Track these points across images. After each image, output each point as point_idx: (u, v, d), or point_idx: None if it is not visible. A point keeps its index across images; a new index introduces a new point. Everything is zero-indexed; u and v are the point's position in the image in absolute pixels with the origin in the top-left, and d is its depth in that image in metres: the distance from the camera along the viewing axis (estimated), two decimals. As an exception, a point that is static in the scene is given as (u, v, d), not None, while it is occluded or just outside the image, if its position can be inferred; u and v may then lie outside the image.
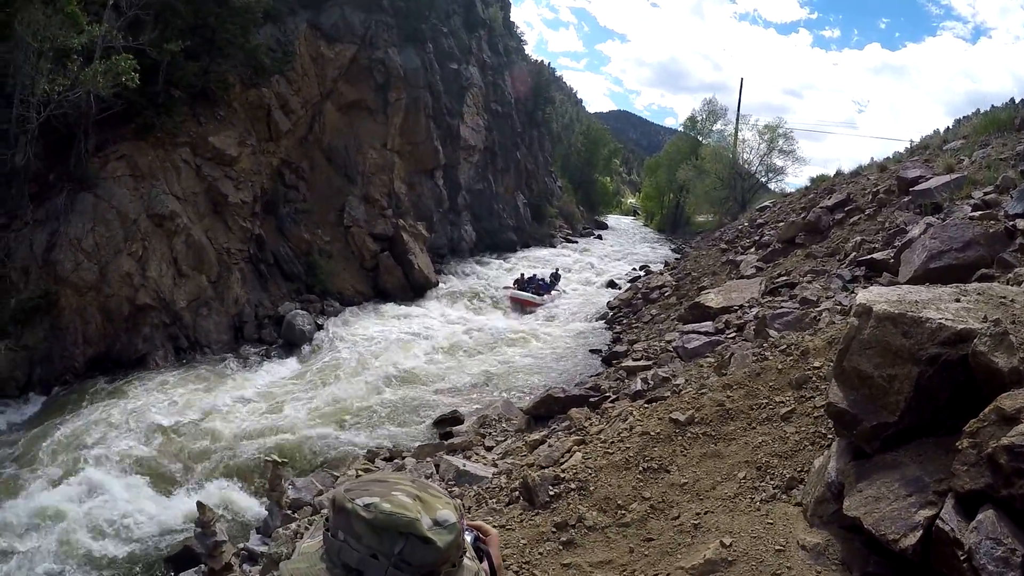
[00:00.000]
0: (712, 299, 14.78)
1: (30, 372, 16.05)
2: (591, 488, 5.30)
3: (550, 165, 54.88)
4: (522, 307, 25.97)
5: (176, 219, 19.16)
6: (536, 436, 9.19)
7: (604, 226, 61.91)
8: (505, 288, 27.87)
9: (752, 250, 20.12)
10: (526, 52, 53.67)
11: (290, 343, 20.11)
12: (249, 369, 18.20)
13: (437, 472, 8.71)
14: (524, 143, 45.98)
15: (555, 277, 29.97)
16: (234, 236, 21.24)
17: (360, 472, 10.82)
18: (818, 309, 9.91)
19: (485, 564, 1.49)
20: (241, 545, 9.25)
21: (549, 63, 64.66)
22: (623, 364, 13.40)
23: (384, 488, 1.28)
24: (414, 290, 26.70)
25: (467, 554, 1.37)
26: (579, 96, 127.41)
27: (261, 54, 22.96)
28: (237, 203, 21.33)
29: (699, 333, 12.35)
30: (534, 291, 26.67)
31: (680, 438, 5.46)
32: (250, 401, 16.12)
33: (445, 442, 11.77)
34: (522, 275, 28.35)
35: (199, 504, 8.64)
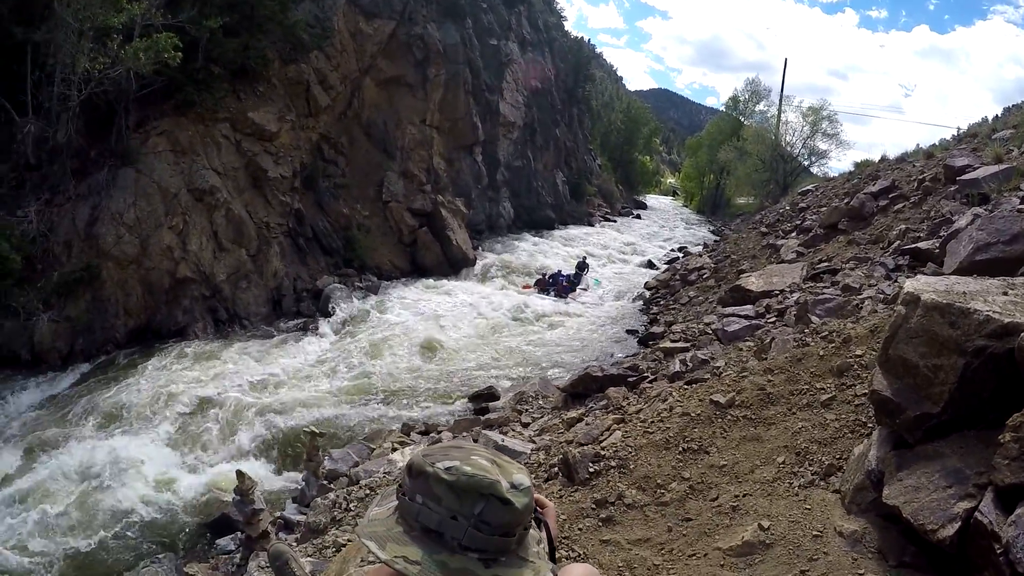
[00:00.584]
0: (753, 282, 14.58)
1: (72, 343, 16.37)
2: (631, 466, 5.31)
3: (589, 143, 54.61)
4: None
5: (216, 194, 19.37)
6: (573, 414, 9.16)
7: (643, 206, 61.53)
8: (525, 288, 25.59)
9: (793, 234, 19.81)
10: (565, 28, 53.26)
11: (328, 316, 20.20)
12: (287, 342, 18.29)
13: None
14: (564, 120, 45.72)
15: (581, 267, 27.41)
16: (273, 210, 21.42)
17: (396, 445, 11.09)
18: (860, 297, 9.78)
19: (543, 533, 1.53)
20: (278, 514, 9.40)
21: (589, 40, 64.17)
22: (660, 345, 13.28)
23: (463, 453, 1.32)
24: (452, 266, 26.76)
25: None
26: (619, 74, 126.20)
27: (300, 30, 22.95)
28: (277, 178, 21.49)
29: (739, 316, 12.21)
30: (556, 293, 24.61)
31: (720, 420, 5.45)
32: (288, 373, 16.25)
33: (481, 417, 11.78)
34: (544, 274, 26.60)
35: (238, 473, 8.69)
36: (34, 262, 16.75)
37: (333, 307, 20.43)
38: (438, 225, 26.81)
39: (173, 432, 13.30)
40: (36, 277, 16.66)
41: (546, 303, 23.31)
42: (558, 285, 25.14)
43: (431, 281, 25.06)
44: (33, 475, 11.72)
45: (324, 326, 19.63)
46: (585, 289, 25.51)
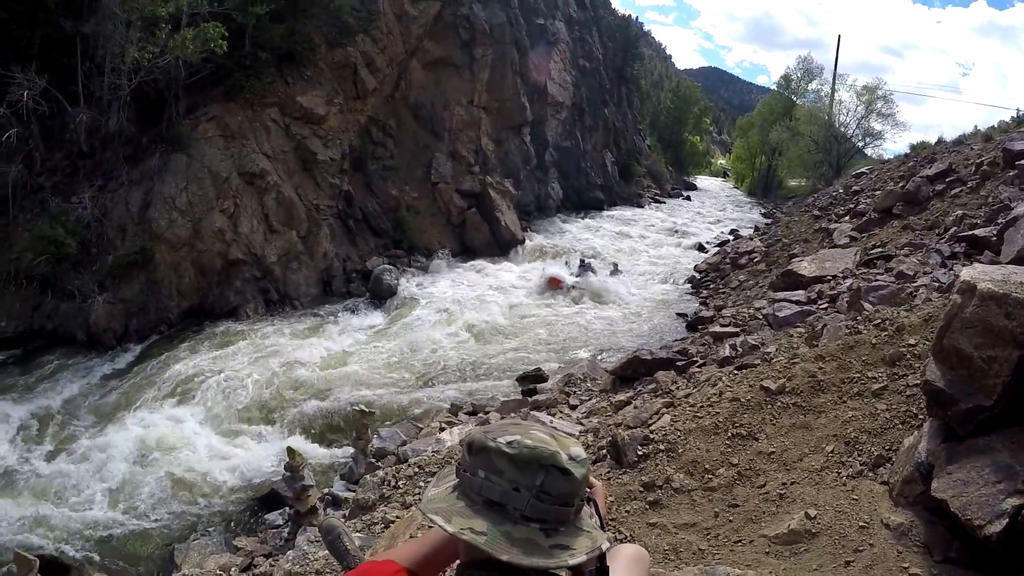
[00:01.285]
0: (805, 267, 14.33)
1: (127, 324, 16.85)
2: (679, 451, 5.29)
3: (639, 123, 54.00)
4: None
5: (266, 177, 19.64)
6: (622, 397, 9.13)
7: (693, 187, 60.71)
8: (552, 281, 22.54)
9: (846, 218, 19.40)
10: (612, 6, 52.55)
11: (377, 297, 20.42)
12: (337, 322, 18.56)
13: None
14: (612, 100, 45.20)
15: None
16: (323, 192, 21.63)
17: (443, 425, 11.22)
18: (915, 284, 9.61)
19: (592, 509, 1.55)
20: (326, 490, 9.50)
21: (636, 17, 62.89)
22: (710, 329, 13.21)
23: (522, 428, 1.38)
24: (500, 247, 26.71)
25: None
26: (668, 52, 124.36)
27: (345, 14, 23.09)
28: (326, 160, 21.68)
29: (790, 302, 12.07)
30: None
31: (770, 407, 5.40)
32: (338, 352, 16.51)
33: (529, 399, 11.73)
34: (582, 260, 24.64)
35: (289, 449, 8.90)
36: (89, 246, 17.30)
37: (383, 287, 20.56)
38: (487, 206, 26.76)
39: (224, 409, 13.65)
40: (91, 261, 17.22)
41: (596, 282, 23.15)
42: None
43: (480, 262, 25.09)
44: (90, 449, 12.19)
45: (373, 307, 19.91)
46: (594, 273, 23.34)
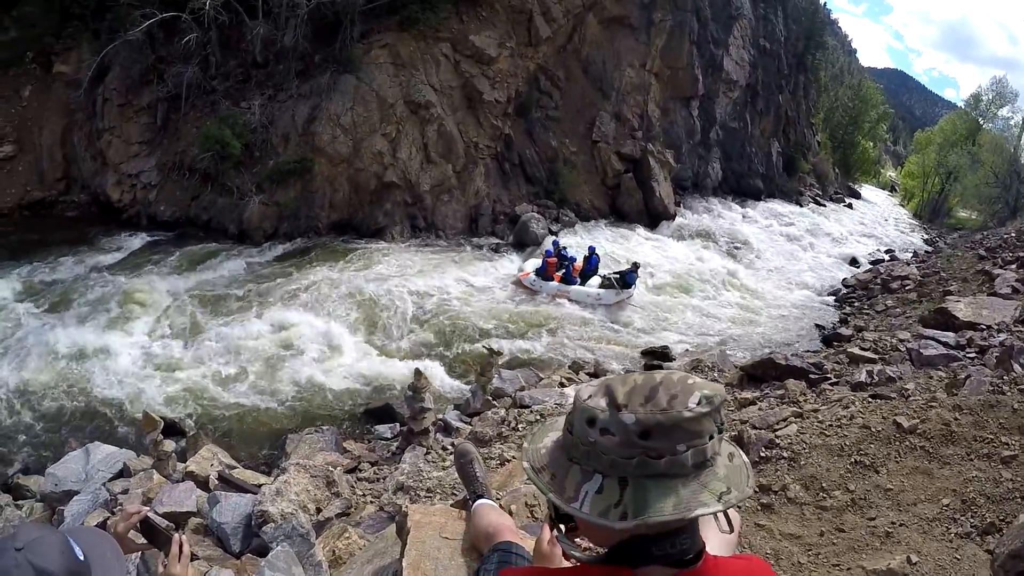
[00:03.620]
0: (960, 309, 13.41)
1: (277, 226, 17.90)
2: (801, 462, 5.31)
3: (811, 116, 50.95)
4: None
5: (431, 108, 19.91)
6: (747, 395, 9.05)
7: (857, 195, 56.77)
8: (523, 276, 17.62)
9: (1013, 266, 18.00)
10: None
11: (521, 243, 20.51)
12: (479, 259, 18.84)
13: None
14: (788, 87, 42.72)
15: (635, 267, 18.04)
16: (484, 132, 21.74)
17: (564, 380, 11.46)
18: None
19: None
20: (440, 416, 9.71)
21: (824, 3, 58.68)
22: (847, 349, 12.69)
23: (681, 386, 1.29)
24: (651, 217, 26.11)
25: None
26: (853, 46, 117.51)
27: (528, -42, 22.87)
28: (491, 101, 21.72)
29: (938, 342, 11.40)
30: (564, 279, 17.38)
31: (897, 443, 5.31)
32: (476, 288, 16.80)
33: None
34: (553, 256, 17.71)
35: (416, 371, 9.12)
36: (252, 149, 18.41)
37: (528, 235, 20.57)
38: (644, 173, 26.11)
39: (357, 319, 14.28)
40: (252, 163, 18.41)
41: (735, 269, 22.41)
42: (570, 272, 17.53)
43: (626, 228, 24.72)
44: (223, 332, 13.19)
45: (515, 251, 20.06)
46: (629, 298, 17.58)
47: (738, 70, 34.72)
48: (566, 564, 1.61)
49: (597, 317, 16.29)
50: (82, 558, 1.68)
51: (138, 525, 2.33)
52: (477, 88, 21.29)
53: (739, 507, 4.36)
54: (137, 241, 16.91)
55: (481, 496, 3.17)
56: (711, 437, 1.23)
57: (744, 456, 1.31)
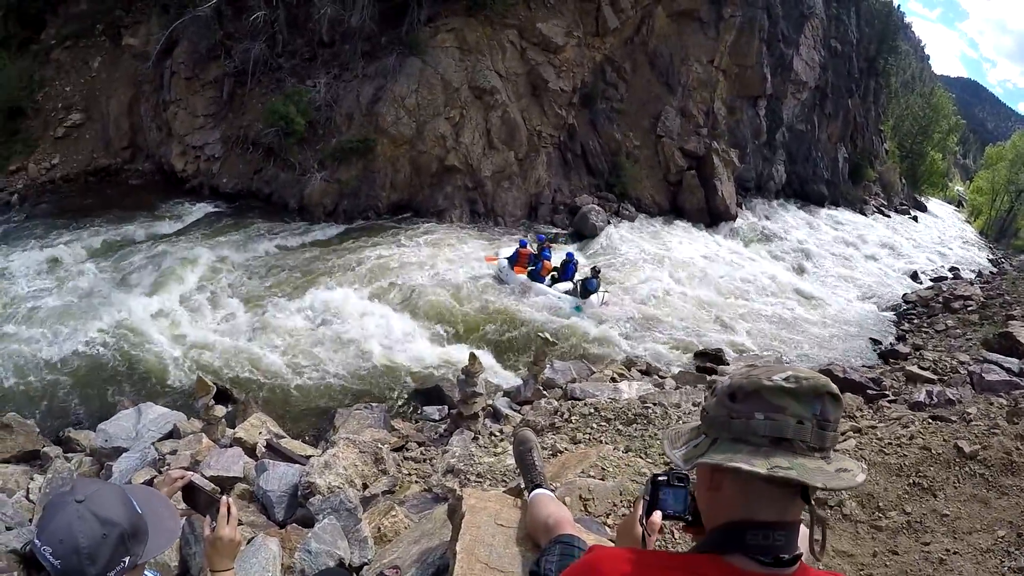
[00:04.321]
0: None
1: (337, 203, 17.94)
2: None
3: (880, 123, 49.61)
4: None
5: (496, 94, 19.81)
6: None
7: (923, 208, 55.10)
8: (488, 260, 16.98)
9: None
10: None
11: (579, 234, 20.27)
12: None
13: (703, 401, 8.25)
14: (858, 91, 41.60)
15: (596, 272, 16.51)
16: (548, 121, 21.51)
17: (616, 375, 11.30)
18: None
19: None
20: (489, 402, 9.62)
21: (899, 6, 56.79)
22: (904, 367, 12.50)
23: (779, 366, 1.39)
24: (711, 216, 25.68)
25: None
26: (926, 52, 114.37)
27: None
28: (556, 90, 21.49)
29: (1001, 367, 11.17)
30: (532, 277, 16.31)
31: (957, 469, 5.16)
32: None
33: (707, 376, 11.55)
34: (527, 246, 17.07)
35: (471, 355, 9.05)
36: (316, 127, 18.54)
37: (587, 226, 20.27)
38: (707, 171, 25.70)
39: (411, 301, 14.20)
40: (315, 140, 18.56)
41: (794, 280, 21.73)
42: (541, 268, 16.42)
43: (687, 226, 24.32)
44: (280, 303, 13.33)
45: (572, 242, 19.78)
46: (605, 304, 16.03)
47: (808, 71, 33.91)
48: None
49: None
50: (139, 511, 1.72)
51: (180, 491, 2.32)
52: (542, 76, 21.06)
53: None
54: (198, 210, 17.28)
55: (539, 486, 3.11)
56: (800, 422, 1.28)
57: (856, 480, 1.30)
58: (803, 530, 1.42)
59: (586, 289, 15.71)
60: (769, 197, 32.76)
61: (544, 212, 20.98)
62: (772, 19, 30.30)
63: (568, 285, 16.06)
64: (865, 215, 39.82)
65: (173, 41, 18.92)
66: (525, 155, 20.59)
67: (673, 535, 3.70)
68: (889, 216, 42.97)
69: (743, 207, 28.53)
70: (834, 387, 1.32)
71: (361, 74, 19.14)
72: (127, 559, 1.64)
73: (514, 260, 16.10)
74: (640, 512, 1.84)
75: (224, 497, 2.24)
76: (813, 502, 1.36)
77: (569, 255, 16.61)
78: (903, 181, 53.68)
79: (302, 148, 18.03)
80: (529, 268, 16.07)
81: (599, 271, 16.35)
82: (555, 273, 16.17)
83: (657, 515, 1.72)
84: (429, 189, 19.00)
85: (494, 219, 19.78)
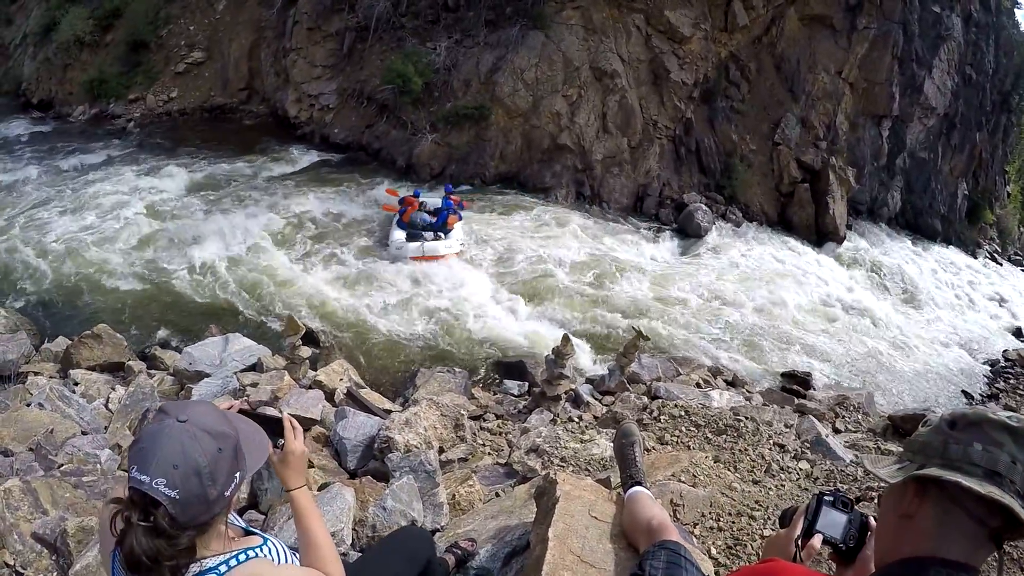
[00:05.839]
0: None
1: (445, 166, 18.06)
2: None
3: (1007, 163, 46.95)
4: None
5: (616, 78, 19.44)
6: (891, 446, 8.32)
7: (1038, 261, 52.51)
8: (389, 192, 15.88)
9: None
10: (1017, 19, 45.25)
11: (683, 232, 19.70)
12: (637, 240, 18.15)
13: (795, 424, 7.85)
14: (988, 125, 39.31)
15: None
16: (665, 112, 21.05)
17: (701, 381, 11.01)
18: None
19: None
20: (572, 386, 9.40)
21: None
22: None
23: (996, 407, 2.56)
24: (818, 234, 24.55)
25: None
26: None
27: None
28: (677, 82, 21.01)
29: None
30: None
31: None
32: (630, 267, 16.25)
33: (795, 400, 11.11)
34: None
35: (565, 336, 8.92)
36: (432, 89, 18.53)
37: (692, 225, 19.71)
38: (821, 187, 24.67)
39: (506, 274, 14.14)
40: (430, 102, 18.50)
41: (894, 315, 20.55)
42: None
43: (792, 241, 23.25)
44: (378, 259, 13.55)
45: (676, 239, 19.25)
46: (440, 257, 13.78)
47: (938, 96, 32.09)
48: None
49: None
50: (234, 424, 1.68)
51: None
52: (665, 66, 20.56)
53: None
54: (308, 157, 17.70)
55: (639, 483, 2.99)
56: (1013, 462, 1.28)
57: None
58: None
59: (431, 227, 13.62)
60: (879, 222, 31.19)
61: (650, 204, 20.40)
62: (908, 36, 28.70)
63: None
64: (976, 258, 37.76)
65: (299, -10, 19.20)
66: (638, 143, 20.13)
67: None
68: (1000, 264, 40.54)
69: (852, 229, 27.17)
70: None
71: (483, 42, 19.05)
72: (238, 474, 1.58)
73: (403, 211, 14.11)
74: (798, 531, 1.77)
75: (285, 412, 2.08)
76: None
77: (447, 202, 14.34)
78: (1021, 230, 50.97)
79: (416, 108, 18.11)
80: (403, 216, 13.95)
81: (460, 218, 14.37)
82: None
83: (818, 539, 1.71)
84: (538, 165, 18.78)
85: (599, 203, 19.43)
